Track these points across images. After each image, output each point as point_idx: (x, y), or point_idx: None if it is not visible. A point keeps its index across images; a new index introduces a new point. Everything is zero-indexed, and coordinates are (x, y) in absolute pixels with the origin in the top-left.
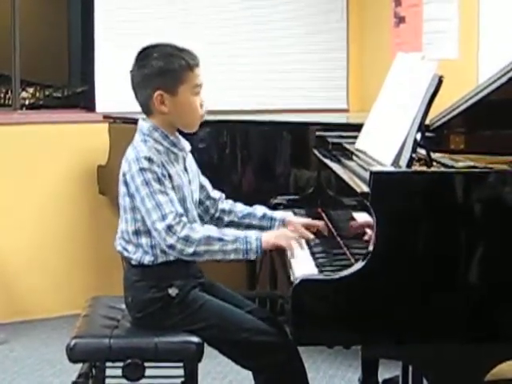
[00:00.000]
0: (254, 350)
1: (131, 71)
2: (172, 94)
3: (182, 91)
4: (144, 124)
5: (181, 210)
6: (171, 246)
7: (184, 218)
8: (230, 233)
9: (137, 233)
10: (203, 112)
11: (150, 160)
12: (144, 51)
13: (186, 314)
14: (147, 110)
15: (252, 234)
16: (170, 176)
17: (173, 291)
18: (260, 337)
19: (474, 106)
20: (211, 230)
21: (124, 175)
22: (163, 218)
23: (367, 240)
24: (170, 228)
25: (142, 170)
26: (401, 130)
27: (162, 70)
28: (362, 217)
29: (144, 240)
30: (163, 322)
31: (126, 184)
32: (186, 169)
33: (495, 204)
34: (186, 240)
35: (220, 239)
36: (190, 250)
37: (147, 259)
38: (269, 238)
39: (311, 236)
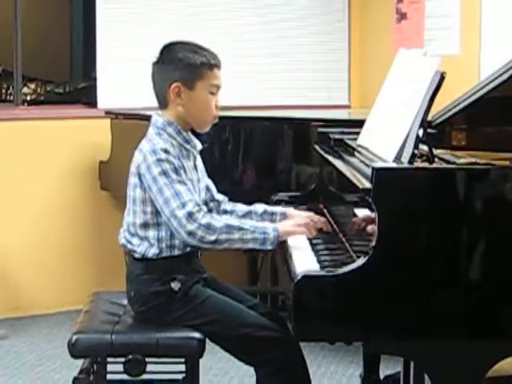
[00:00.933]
0: (255, 346)
1: (153, 63)
2: (189, 87)
3: (199, 87)
4: (158, 118)
5: (198, 200)
6: (191, 233)
7: (204, 207)
8: (248, 222)
9: (145, 225)
10: (217, 113)
11: (166, 151)
12: (168, 46)
13: (188, 309)
14: (163, 102)
15: (269, 225)
16: (184, 168)
17: (175, 285)
18: (262, 332)
19: (476, 102)
20: (230, 219)
21: (137, 167)
22: (183, 205)
23: (371, 233)
24: (190, 215)
25: (159, 160)
26: (403, 126)
27: (183, 63)
28: (363, 212)
29: (151, 233)
30: (165, 316)
31: (139, 175)
32: (195, 166)
33: (497, 200)
34: (208, 227)
35: (240, 228)
36: (212, 237)
37: (152, 252)
38: (285, 227)
39: (322, 219)
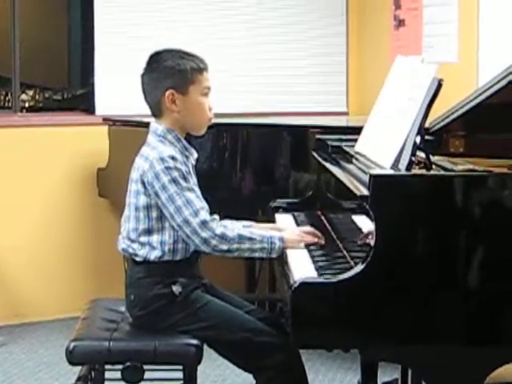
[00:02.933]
0: (254, 351)
1: (142, 75)
2: (183, 93)
3: (192, 91)
4: (158, 126)
5: (207, 206)
6: (206, 241)
7: (216, 215)
8: (255, 232)
9: (148, 231)
10: (211, 115)
11: (174, 158)
12: (155, 55)
13: (188, 313)
14: (158, 111)
15: (274, 234)
16: (190, 174)
17: (177, 289)
18: (261, 337)
19: (474, 109)
20: (241, 229)
21: (142, 174)
22: (196, 213)
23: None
24: (204, 223)
25: (168, 168)
26: (400, 133)
27: (174, 70)
28: (360, 219)
29: (155, 237)
30: (164, 320)
31: (143, 183)
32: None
33: (494, 207)
34: (222, 238)
35: (250, 238)
36: (225, 247)
37: (154, 255)
38: (289, 236)
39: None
